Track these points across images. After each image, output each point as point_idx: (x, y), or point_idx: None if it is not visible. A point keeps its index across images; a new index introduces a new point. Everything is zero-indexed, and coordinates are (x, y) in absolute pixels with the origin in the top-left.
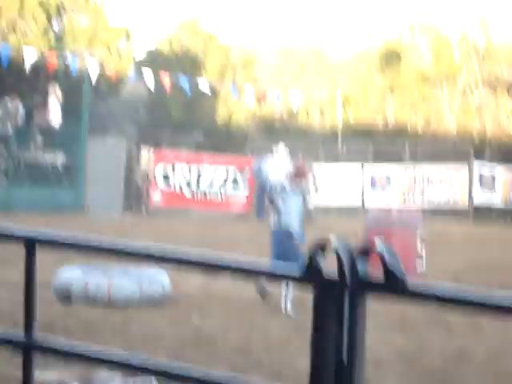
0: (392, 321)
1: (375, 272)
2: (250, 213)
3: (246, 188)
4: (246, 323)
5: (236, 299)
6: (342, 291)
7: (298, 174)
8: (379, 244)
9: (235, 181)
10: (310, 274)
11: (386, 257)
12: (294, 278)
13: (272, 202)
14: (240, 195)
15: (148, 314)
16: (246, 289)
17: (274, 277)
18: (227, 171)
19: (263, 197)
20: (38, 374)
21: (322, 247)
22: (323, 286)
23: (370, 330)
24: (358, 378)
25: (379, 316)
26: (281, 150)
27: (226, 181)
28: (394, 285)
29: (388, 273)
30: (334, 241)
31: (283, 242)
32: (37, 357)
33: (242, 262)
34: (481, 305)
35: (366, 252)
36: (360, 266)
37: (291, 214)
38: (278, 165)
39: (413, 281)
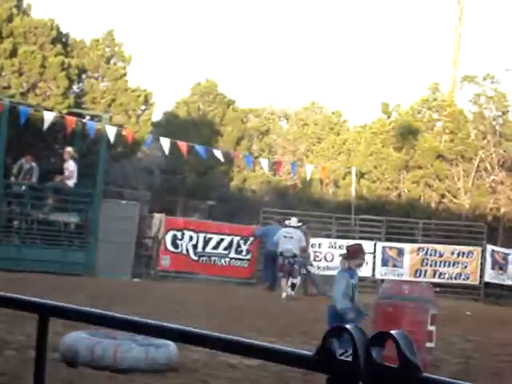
0: None
1: (390, 360)
2: (253, 278)
3: (249, 256)
4: None
5: (242, 370)
6: (355, 374)
7: (351, 254)
8: (395, 331)
9: (239, 248)
10: (324, 357)
11: (401, 343)
12: (306, 360)
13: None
14: (243, 262)
15: (152, 381)
16: (252, 360)
17: (286, 359)
18: (232, 239)
19: (272, 267)
20: None
21: (337, 333)
22: (337, 370)
23: None
24: None
25: None
26: (294, 223)
27: (230, 248)
28: (408, 372)
29: (402, 360)
30: (349, 327)
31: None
32: None
33: (253, 343)
34: None
35: (382, 339)
36: (375, 353)
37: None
38: (290, 237)
39: (427, 370)
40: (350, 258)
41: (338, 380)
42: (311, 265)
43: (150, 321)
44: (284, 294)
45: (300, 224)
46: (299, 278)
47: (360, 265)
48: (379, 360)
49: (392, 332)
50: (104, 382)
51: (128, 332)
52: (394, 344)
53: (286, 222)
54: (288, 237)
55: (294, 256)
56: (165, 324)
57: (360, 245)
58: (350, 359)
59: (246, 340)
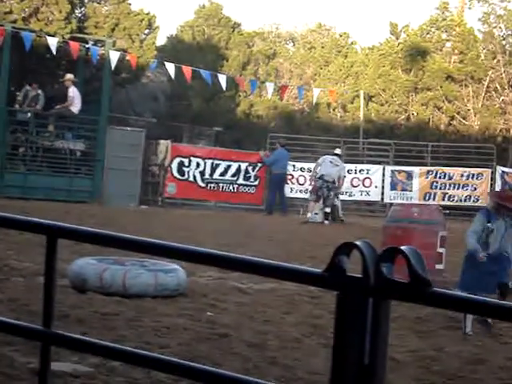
0: (409, 324)
1: (399, 276)
2: (261, 205)
3: (257, 182)
4: (260, 319)
5: (252, 294)
6: (365, 291)
7: (496, 198)
8: (405, 247)
9: (247, 174)
10: (334, 274)
11: (411, 259)
12: (317, 277)
13: None
14: (251, 188)
15: (162, 306)
16: (263, 284)
17: (296, 276)
18: (240, 165)
19: (276, 191)
20: (52, 365)
21: (347, 249)
22: (347, 286)
23: None
24: (379, 381)
25: (396, 319)
26: (338, 151)
27: (238, 174)
28: (418, 287)
29: (413, 275)
30: (359, 243)
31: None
32: (52, 348)
33: (263, 261)
34: (502, 311)
35: (392, 254)
36: (384, 268)
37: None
38: (336, 164)
39: (437, 284)
40: (494, 200)
41: (348, 296)
42: (338, 197)
43: (158, 241)
44: (309, 214)
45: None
46: (337, 202)
47: (493, 208)
48: (389, 276)
49: (402, 247)
50: (113, 307)
51: (136, 252)
52: (404, 260)
53: (336, 151)
54: (334, 163)
55: (333, 182)
56: (173, 244)
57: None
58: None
59: (256, 259)
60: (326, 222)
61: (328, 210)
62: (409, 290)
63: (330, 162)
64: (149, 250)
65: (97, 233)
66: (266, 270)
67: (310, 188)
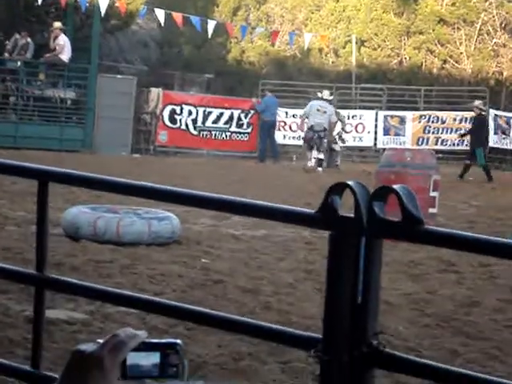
0: (402, 268)
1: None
2: (254, 152)
3: (250, 129)
4: (254, 265)
5: (246, 241)
6: (358, 230)
7: None
8: (397, 186)
9: (240, 122)
10: (327, 214)
11: (404, 197)
12: (309, 217)
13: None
14: (244, 135)
15: (157, 254)
16: (256, 231)
17: (289, 217)
18: (232, 112)
19: (267, 139)
20: (47, 313)
21: (338, 189)
22: (339, 225)
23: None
24: (373, 320)
25: (390, 263)
26: (326, 96)
27: (231, 121)
28: (411, 225)
29: (405, 213)
30: (351, 183)
31: None
32: (46, 295)
33: (256, 203)
34: (497, 250)
35: (384, 193)
36: (377, 207)
37: None
38: (323, 111)
39: (429, 223)
40: None
41: (341, 236)
42: (336, 142)
43: (150, 184)
44: (309, 164)
45: (332, 98)
46: (326, 153)
47: None
48: (381, 215)
49: (394, 186)
50: (107, 255)
51: (130, 196)
52: (396, 198)
53: (319, 95)
54: (321, 111)
55: (325, 130)
56: (168, 187)
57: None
58: (352, 215)
59: (251, 201)
60: (319, 168)
61: (321, 156)
62: (401, 228)
63: (317, 110)
64: (142, 193)
65: (88, 177)
66: (260, 211)
67: (302, 138)
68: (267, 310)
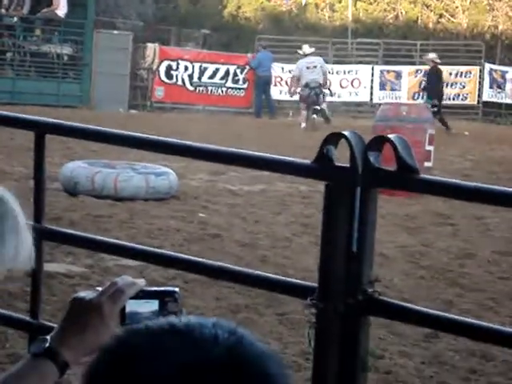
0: (398, 221)
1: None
2: (250, 108)
3: (246, 85)
4: (251, 219)
5: (243, 195)
6: (353, 179)
7: None
8: (392, 135)
9: (236, 77)
10: (323, 164)
11: (399, 147)
12: (306, 168)
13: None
14: (240, 91)
15: (154, 209)
16: (253, 185)
17: (286, 168)
18: (228, 68)
19: (262, 95)
20: (46, 267)
21: (334, 140)
22: (335, 175)
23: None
24: (368, 269)
25: (385, 216)
26: (307, 50)
27: (227, 77)
28: (405, 174)
29: (400, 162)
30: (346, 133)
31: None
32: (44, 249)
33: (253, 154)
34: (490, 197)
35: (379, 143)
36: (372, 157)
37: None
38: (313, 66)
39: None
40: None
41: (337, 186)
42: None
43: (147, 135)
44: (303, 125)
45: (313, 49)
46: (324, 105)
47: None
48: (377, 164)
49: (389, 135)
50: (105, 210)
51: (127, 147)
52: (391, 147)
53: (300, 52)
54: (311, 67)
55: (320, 85)
56: (166, 139)
57: None
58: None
59: (249, 152)
60: (315, 116)
61: (323, 105)
62: (396, 177)
63: (307, 67)
64: (139, 145)
65: (85, 128)
66: (257, 162)
67: (299, 97)
68: (264, 263)
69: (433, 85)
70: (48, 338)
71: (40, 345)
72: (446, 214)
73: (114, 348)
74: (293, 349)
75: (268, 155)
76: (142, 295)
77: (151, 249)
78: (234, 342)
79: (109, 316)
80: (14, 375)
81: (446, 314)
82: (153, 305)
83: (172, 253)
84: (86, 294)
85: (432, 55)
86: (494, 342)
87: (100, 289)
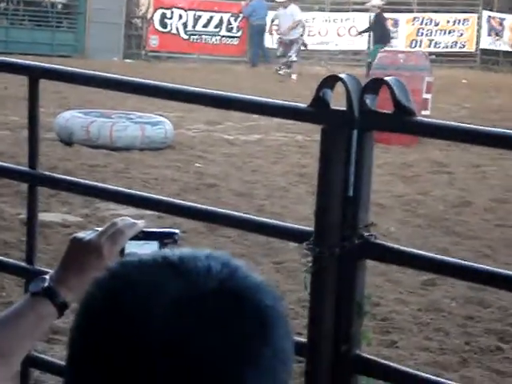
0: (394, 170)
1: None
2: (245, 56)
3: (240, 33)
4: (248, 169)
5: (239, 145)
6: (350, 122)
7: None
8: (389, 77)
9: (230, 26)
10: (319, 108)
11: (395, 89)
12: (302, 111)
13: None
14: (234, 39)
15: (150, 158)
16: (250, 135)
17: (281, 111)
18: (222, 16)
19: (257, 42)
20: (42, 216)
21: (330, 82)
22: (331, 118)
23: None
24: (364, 212)
25: (382, 165)
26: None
27: (221, 25)
28: (402, 116)
29: (397, 104)
30: (343, 76)
31: None
32: (40, 199)
33: (250, 98)
34: (487, 139)
35: (376, 86)
36: (368, 100)
37: None
38: (287, 16)
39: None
40: None
41: (333, 129)
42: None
43: (144, 80)
44: (280, 72)
45: None
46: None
47: None
48: (373, 107)
49: (386, 78)
50: (101, 159)
51: (123, 92)
52: (388, 90)
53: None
54: (284, 17)
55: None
56: (162, 83)
57: None
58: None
59: (242, 95)
60: (287, 70)
61: (293, 58)
62: (393, 119)
63: (283, 17)
64: (136, 90)
65: (79, 72)
66: (254, 107)
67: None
68: (261, 212)
69: (379, 31)
70: (47, 277)
71: (39, 284)
72: (442, 163)
73: (106, 281)
74: (290, 297)
75: (264, 99)
76: (142, 236)
77: (148, 195)
78: (227, 274)
79: (108, 256)
80: (13, 313)
81: (443, 257)
82: (152, 246)
83: (169, 199)
84: (85, 234)
85: (375, 1)
86: (491, 284)
87: (100, 229)
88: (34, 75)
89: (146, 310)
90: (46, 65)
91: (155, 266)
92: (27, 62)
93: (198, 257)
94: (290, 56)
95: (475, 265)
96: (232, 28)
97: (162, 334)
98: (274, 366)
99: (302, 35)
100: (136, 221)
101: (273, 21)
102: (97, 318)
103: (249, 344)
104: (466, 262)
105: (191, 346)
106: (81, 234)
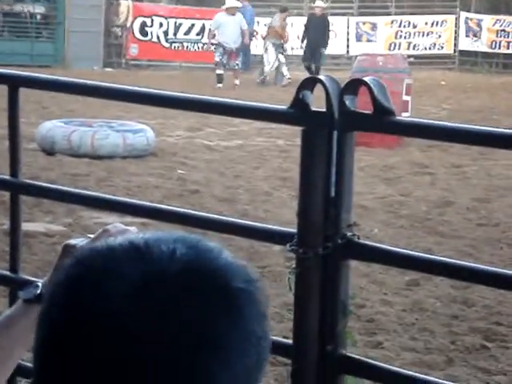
0: (377, 172)
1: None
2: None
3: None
4: (230, 174)
5: (221, 151)
6: (330, 123)
7: None
8: (368, 78)
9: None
10: (299, 110)
11: (374, 89)
12: (282, 114)
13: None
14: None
15: (132, 166)
16: (231, 141)
17: (263, 114)
18: (204, 23)
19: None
20: (26, 226)
21: (310, 85)
22: (311, 120)
23: (354, 180)
24: (346, 212)
25: (364, 168)
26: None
27: (202, 33)
28: (382, 117)
29: (376, 105)
30: (322, 77)
31: None
32: (23, 209)
33: (231, 102)
34: (467, 137)
35: (355, 86)
36: (348, 101)
37: None
38: (231, 21)
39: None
40: None
41: (313, 130)
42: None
43: (127, 87)
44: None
45: (240, 5)
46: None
47: None
48: (353, 108)
49: (365, 78)
50: (83, 168)
51: (106, 99)
52: (367, 90)
53: (223, 7)
54: (231, 23)
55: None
56: (146, 89)
57: None
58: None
59: (223, 99)
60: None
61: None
62: (372, 119)
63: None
64: (118, 96)
65: (59, 80)
66: (234, 110)
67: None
68: (244, 217)
69: (323, 33)
70: (39, 284)
71: (31, 291)
72: (424, 164)
73: (70, 268)
74: (275, 301)
75: (244, 102)
76: None
77: (131, 200)
78: (191, 257)
79: None
80: (5, 321)
81: (427, 255)
82: None
83: (152, 204)
84: (77, 240)
85: (320, 2)
86: (475, 281)
87: (91, 236)
88: (14, 83)
89: (103, 295)
90: (26, 73)
91: (120, 251)
92: (6, 70)
93: (164, 240)
94: (236, 65)
95: (459, 262)
96: (214, 35)
97: (118, 319)
98: (243, 349)
99: (249, 44)
100: (128, 227)
101: (214, 29)
102: (57, 306)
103: (213, 327)
104: (450, 260)
105: (148, 330)
106: (73, 241)
